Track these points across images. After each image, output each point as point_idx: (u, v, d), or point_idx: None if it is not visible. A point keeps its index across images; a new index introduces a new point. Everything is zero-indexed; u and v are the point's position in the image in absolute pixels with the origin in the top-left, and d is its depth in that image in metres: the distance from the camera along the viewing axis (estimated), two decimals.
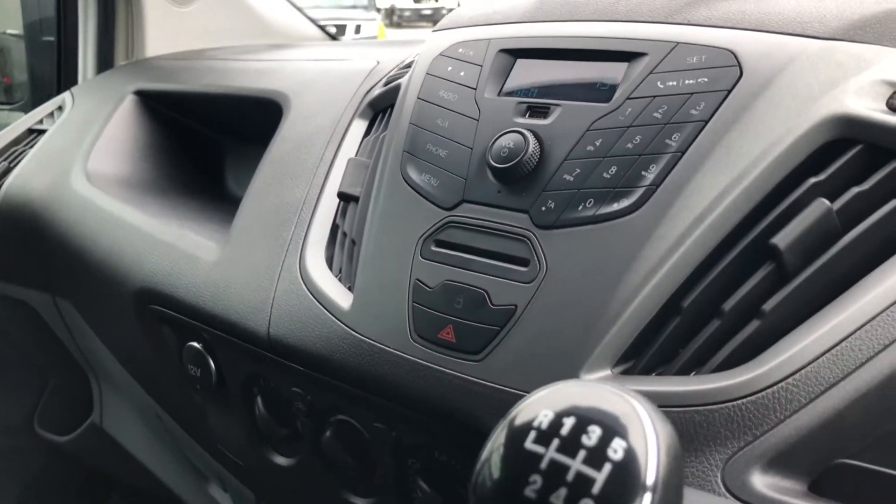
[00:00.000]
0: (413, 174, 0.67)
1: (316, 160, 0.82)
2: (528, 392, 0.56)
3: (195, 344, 0.86)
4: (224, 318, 0.78)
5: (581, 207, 0.58)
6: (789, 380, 0.49)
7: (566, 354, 0.56)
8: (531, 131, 0.61)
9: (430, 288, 0.63)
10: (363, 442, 0.72)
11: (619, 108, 0.59)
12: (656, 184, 0.56)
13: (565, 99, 0.62)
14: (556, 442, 0.30)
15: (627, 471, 0.28)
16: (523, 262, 0.59)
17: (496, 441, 0.33)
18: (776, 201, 0.54)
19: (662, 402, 0.52)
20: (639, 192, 0.56)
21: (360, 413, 0.71)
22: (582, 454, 0.29)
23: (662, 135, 0.57)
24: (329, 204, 0.78)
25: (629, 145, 0.58)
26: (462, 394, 0.59)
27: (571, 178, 0.59)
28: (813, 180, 0.54)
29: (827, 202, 0.53)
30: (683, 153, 0.56)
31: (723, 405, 0.50)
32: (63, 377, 1.52)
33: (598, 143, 0.59)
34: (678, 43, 0.60)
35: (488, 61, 0.68)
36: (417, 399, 0.62)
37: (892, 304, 0.49)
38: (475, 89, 0.67)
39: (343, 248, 0.74)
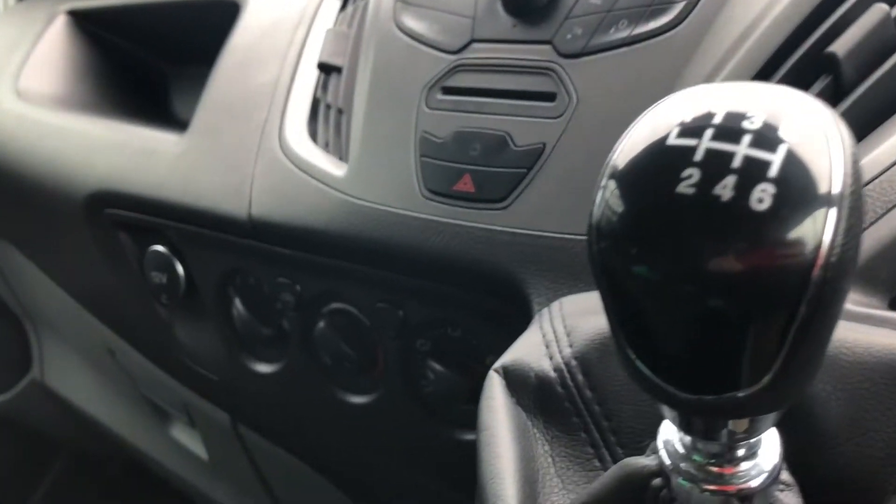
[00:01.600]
0: (410, 22, 0.60)
1: (286, 41, 0.74)
2: (562, 234, 0.51)
3: (159, 247, 0.77)
4: (194, 208, 0.70)
5: (612, 30, 0.51)
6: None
7: None
8: None
9: (439, 139, 0.56)
10: (362, 330, 0.65)
11: None
12: None
13: None
14: (709, 132, 0.23)
15: (811, 151, 0.22)
16: (549, 96, 0.53)
17: (621, 156, 0.27)
18: (831, 9, 0.49)
19: None
20: (679, 6, 0.50)
21: (359, 296, 0.64)
22: (747, 138, 0.23)
23: None
24: (306, 79, 0.70)
25: None
26: (486, 246, 0.53)
27: (598, 1, 0.53)
28: None
29: (885, 6, 0.48)
30: None
31: None
32: None
33: None
34: None
35: None
36: (433, 260, 0.56)
37: None
38: None
39: (328, 120, 0.66)
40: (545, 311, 0.45)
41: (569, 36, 0.53)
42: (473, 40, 0.57)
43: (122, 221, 0.79)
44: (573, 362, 0.41)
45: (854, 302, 0.44)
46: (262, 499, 1.00)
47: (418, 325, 0.61)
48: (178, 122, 1.04)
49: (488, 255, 0.53)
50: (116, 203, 0.78)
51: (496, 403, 0.41)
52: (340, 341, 0.66)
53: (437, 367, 0.61)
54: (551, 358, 0.41)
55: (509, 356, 0.42)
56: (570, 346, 0.41)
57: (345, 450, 0.75)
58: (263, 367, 0.75)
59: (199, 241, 0.72)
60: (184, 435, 1.09)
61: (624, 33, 0.51)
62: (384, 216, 0.57)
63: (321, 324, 0.67)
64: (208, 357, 0.80)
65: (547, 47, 0.53)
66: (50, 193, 0.86)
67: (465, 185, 0.54)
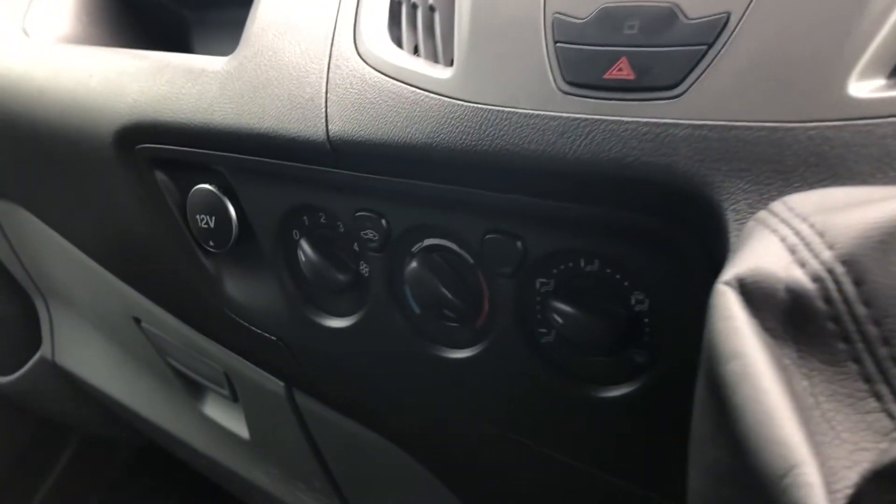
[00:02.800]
0: None
1: None
2: (765, 122, 0.40)
3: (206, 186, 0.66)
4: (253, 131, 0.58)
5: None
6: None
7: (821, 64, 0.38)
8: None
9: (580, 19, 0.45)
10: (465, 270, 0.54)
11: None
12: None
13: None
14: None
15: None
16: None
17: None
18: None
19: None
20: None
21: (463, 227, 0.53)
22: None
23: None
24: None
25: None
26: (655, 146, 0.42)
27: None
28: None
29: None
30: None
31: None
32: (1, 307, 1.28)
33: None
34: None
35: None
36: (578, 171, 0.44)
37: None
38: None
39: (415, 22, 0.55)
40: (773, 209, 0.34)
41: None
42: None
43: (159, 158, 0.68)
44: (839, 268, 0.30)
45: None
46: (314, 479, 0.89)
47: (541, 260, 0.50)
48: None
49: (659, 155, 0.42)
50: (153, 136, 0.66)
51: (740, 324, 0.30)
52: (437, 284, 0.55)
53: (567, 309, 0.50)
54: (804, 265, 0.31)
55: (744, 265, 0.32)
56: (831, 247, 0.31)
57: (433, 415, 0.64)
58: (336, 322, 0.64)
59: (259, 173, 0.61)
60: (219, 412, 0.98)
61: None
62: (510, 117, 0.46)
63: (413, 264, 0.56)
64: (266, 313, 0.69)
65: None
66: (70, 137, 0.74)
67: (622, 71, 0.43)
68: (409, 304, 0.58)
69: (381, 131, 0.52)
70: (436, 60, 0.52)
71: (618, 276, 0.49)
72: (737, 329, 0.30)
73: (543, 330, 0.53)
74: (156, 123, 0.65)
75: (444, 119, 0.49)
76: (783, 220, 0.33)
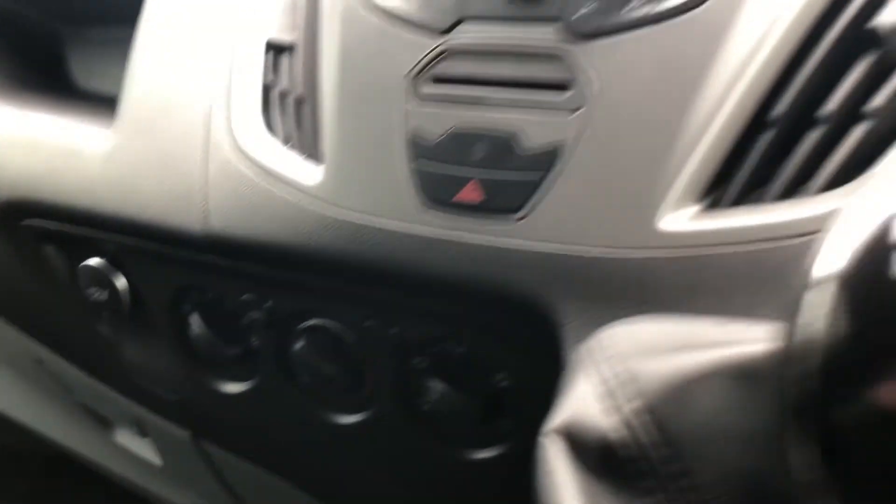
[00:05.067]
0: None
1: (218, 9, 0.63)
2: (590, 250, 0.45)
3: (95, 261, 0.67)
4: (136, 219, 0.60)
5: (631, 5, 0.45)
6: None
7: (637, 196, 0.44)
8: None
9: (434, 138, 0.49)
10: (347, 348, 0.59)
11: None
12: None
13: None
14: None
15: None
16: (561, 86, 0.46)
17: (823, 290, 0.21)
18: None
19: (766, 235, 0.42)
20: None
21: (343, 313, 0.57)
22: None
23: None
24: (252, 59, 0.61)
25: None
26: (499, 265, 0.47)
27: None
28: None
29: None
30: None
31: None
32: None
33: None
34: None
35: None
36: (436, 282, 0.49)
37: None
38: None
39: (287, 110, 0.58)
40: (593, 347, 0.40)
41: (580, 13, 0.46)
42: (463, 18, 0.49)
43: (46, 232, 0.69)
44: (646, 416, 0.36)
45: None
46: None
47: (415, 343, 0.55)
48: (79, 94, 0.92)
49: (504, 275, 0.47)
50: (37, 213, 0.67)
51: (560, 479, 0.36)
52: (322, 361, 0.59)
53: (438, 385, 0.55)
54: (617, 411, 0.36)
55: (565, 415, 0.37)
56: (640, 395, 0.36)
57: (331, 469, 0.69)
58: (230, 387, 0.67)
59: (144, 254, 0.63)
60: (130, 441, 1.01)
61: (644, 10, 0.45)
62: (374, 233, 0.50)
63: (298, 342, 0.60)
64: (162, 376, 0.72)
65: (554, 26, 0.46)
66: None
67: (471, 193, 0.47)
68: (298, 375, 0.62)
69: (257, 230, 0.55)
70: (307, 153, 0.55)
71: (483, 358, 0.54)
72: (556, 485, 0.35)
73: (422, 401, 0.58)
74: (38, 203, 0.66)
75: (315, 225, 0.52)
76: (602, 361, 0.39)
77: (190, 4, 0.66)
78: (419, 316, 0.54)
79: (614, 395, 0.37)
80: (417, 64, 0.49)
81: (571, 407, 0.38)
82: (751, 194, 0.44)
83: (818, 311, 0.22)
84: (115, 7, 0.70)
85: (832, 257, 0.25)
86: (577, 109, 0.45)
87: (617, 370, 0.38)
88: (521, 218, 0.46)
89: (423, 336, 0.54)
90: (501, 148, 0.47)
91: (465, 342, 0.54)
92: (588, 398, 0.37)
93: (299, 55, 0.57)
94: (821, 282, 0.22)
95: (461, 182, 0.47)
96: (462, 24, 0.49)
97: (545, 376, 0.50)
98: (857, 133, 0.43)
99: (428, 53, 0.49)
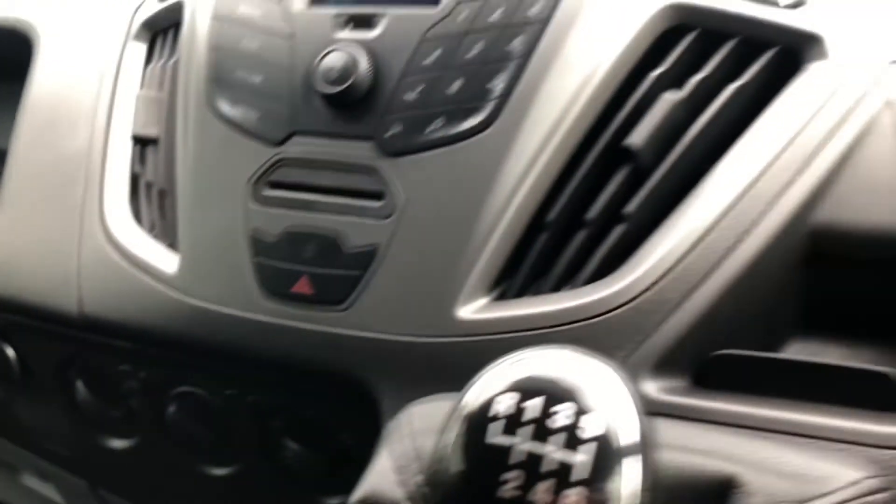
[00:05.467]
0: (225, 107, 0.59)
1: (93, 98, 0.70)
2: (402, 337, 0.53)
3: None
4: (18, 301, 0.66)
5: (430, 129, 0.53)
6: (662, 281, 0.49)
7: (438, 290, 0.52)
8: (360, 46, 0.55)
9: (272, 237, 0.56)
10: (214, 411, 0.66)
11: (451, 13, 0.54)
12: (505, 95, 0.52)
13: (390, 5, 0.56)
14: (523, 430, 0.26)
15: (608, 444, 0.26)
16: (377, 195, 0.54)
17: (450, 436, 0.29)
18: (624, 100, 0.53)
19: (542, 323, 0.51)
20: (488, 107, 0.52)
21: (207, 382, 0.64)
22: (556, 438, 0.26)
23: (503, 40, 0.53)
24: (122, 150, 0.67)
25: (469, 55, 0.53)
26: (328, 349, 0.55)
27: (415, 97, 0.54)
28: (656, 72, 0.53)
29: (672, 95, 0.52)
30: (528, 59, 0.52)
31: (603, 317, 0.50)
32: None
33: (436, 55, 0.54)
34: None
35: None
36: (275, 363, 0.57)
37: (746, 189, 0.50)
38: (281, 2, 0.59)
39: (151, 200, 0.64)
40: (397, 423, 0.48)
41: (389, 133, 0.54)
42: (294, 132, 0.56)
43: None
44: (425, 489, 0.44)
45: (664, 390, 0.49)
46: None
47: (270, 408, 0.63)
48: None
49: (330, 358, 0.55)
50: None
51: None
52: (192, 422, 0.66)
53: (292, 444, 0.63)
54: (404, 485, 0.44)
55: (364, 489, 0.45)
56: (421, 471, 0.44)
57: None
58: (117, 443, 0.74)
59: (29, 329, 0.69)
60: (37, 484, 1.05)
61: (441, 133, 0.53)
62: (223, 319, 0.57)
63: (171, 406, 0.67)
64: (55, 434, 0.78)
65: (369, 144, 0.54)
66: None
67: (303, 287, 0.55)
68: (173, 433, 0.69)
69: (126, 313, 0.62)
70: (169, 242, 0.62)
71: (328, 420, 0.62)
72: None
73: (284, 455, 0.65)
74: None
75: (172, 311, 0.59)
76: (400, 437, 0.47)
77: (69, 90, 0.71)
78: (271, 386, 0.61)
79: (405, 469, 0.45)
80: (257, 171, 0.57)
81: (373, 479, 0.46)
82: (532, 286, 0.53)
83: (447, 446, 0.29)
84: (14, 65, 0.75)
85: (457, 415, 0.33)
86: (389, 216, 0.53)
87: (408, 447, 0.46)
88: (345, 309, 0.54)
89: (276, 402, 0.62)
90: (328, 248, 0.54)
91: (311, 407, 0.61)
92: (387, 471, 0.45)
93: (161, 149, 0.64)
94: (451, 425, 0.30)
95: (295, 276, 0.55)
96: (294, 136, 0.56)
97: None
98: (615, 233, 0.52)
99: (265, 162, 0.57)
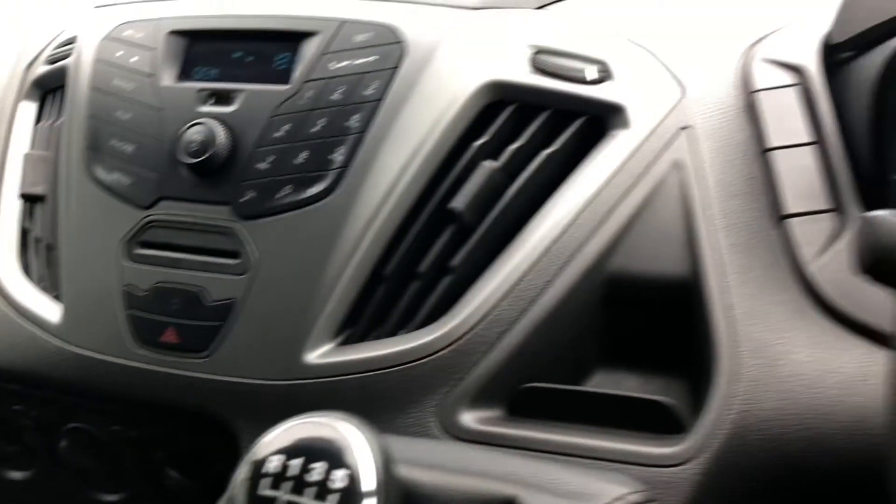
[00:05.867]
0: (101, 173, 0.65)
1: None
2: (257, 380, 0.60)
3: None
4: None
5: (280, 195, 0.60)
6: (480, 325, 0.58)
7: (289, 337, 0.60)
8: (218, 120, 0.62)
9: (143, 292, 0.63)
10: (102, 444, 0.72)
11: (298, 91, 0.62)
12: (345, 166, 0.60)
13: (247, 82, 0.63)
14: (285, 485, 0.34)
15: (351, 492, 0.33)
16: (233, 254, 0.61)
17: (236, 484, 0.37)
18: (450, 167, 0.61)
19: (378, 365, 0.58)
20: (330, 176, 0.60)
21: (94, 419, 0.70)
22: (310, 491, 0.33)
23: (343, 117, 0.60)
24: (11, 205, 0.73)
25: (314, 129, 0.61)
26: (193, 392, 0.62)
27: (267, 166, 0.61)
28: (477, 143, 0.61)
29: (491, 163, 0.60)
30: (365, 134, 0.60)
31: (429, 358, 0.58)
32: None
33: (286, 129, 0.61)
34: (344, 21, 0.63)
35: (161, 45, 0.66)
36: (148, 404, 0.63)
37: (552, 243, 0.59)
38: (152, 76, 0.65)
39: (38, 253, 0.70)
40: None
41: (244, 199, 0.61)
42: (162, 197, 0.63)
43: None
44: None
45: (480, 420, 0.57)
46: None
47: (152, 441, 0.69)
48: None
49: (196, 400, 0.62)
50: None
51: None
52: (83, 454, 0.72)
53: (173, 473, 0.70)
54: None
55: None
56: None
57: None
58: (15, 474, 0.79)
59: None
60: None
61: (290, 199, 0.60)
62: (101, 365, 0.64)
63: (63, 441, 0.72)
64: None
65: (227, 208, 0.61)
66: None
67: (171, 336, 0.62)
68: (66, 464, 0.75)
69: (13, 360, 0.68)
70: (54, 294, 0.68)
71: (205, 451, 0.69)
72: None
73: (168, 482, 0.72)
74: None
75: (56, 357, 0.66)
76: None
77: None
78: (151, 422, 0.68)
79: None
80: (129, 232, 0.63)
81: None
82: (372, 332, 0.61)
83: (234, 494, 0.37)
84: None
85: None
86: (244, 273, 0.60)
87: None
88: (207, 356, 0.61)
89: (157, 437, 0.69)
90: (191, 301, 0.61)
91: (188, 441, 0.68)
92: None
93: (48, 207, 0.70)
94: (239, 475, 0.38)
95: (163, 327, 0.62)
96: (162, 201, 0.63)
97: None
98: (443, 284, 0.60)
99: (136, 224, 0.63)
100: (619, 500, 0.50)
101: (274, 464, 0.36)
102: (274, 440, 0.38)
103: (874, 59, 0.60)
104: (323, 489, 0.33)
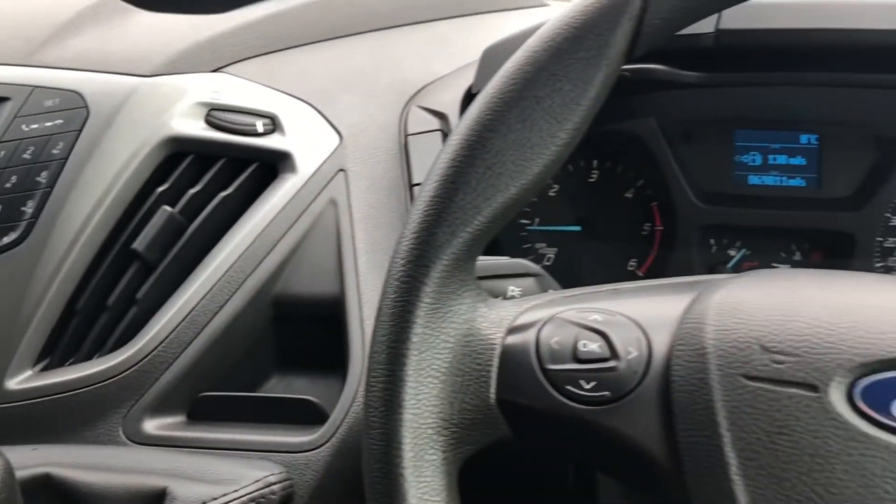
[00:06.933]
0: None
1: None
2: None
3: None
4: None
5: None
6: (160, 347, 0.68)
7: None
8: None
9: None
10: None
11: None
12: (35, 217, 0.69)
13: None
14: None
15: None
16: None
17: None
18: (134, 213, 0.71)
19: (74, 387, 0.68)
20: (22, 226, 0.69)
21: None
22: None
23: (33, 174, 0.70)
24: None
25: (7, 185, 0.69)
26: None
27: None
28: (159, 189, 0.71)
29: (169, 208, 0.71)
30: (52, 188, 0.69)
31: (116, 378, 0.68)
32: None
33: None
34: (35, 87, 0.72)
35: None
36: None
37: (226, 272, 0.70)
38: None
39: None
40: None
41: None
42: None
43: None
44: None
45: (161, 426, 0.68)
46: None
47: None
48: None
49: None
50: None
51: None
52: None
53: None
54: None
55: None
56: None
57: None
58: None
59: None
60: None
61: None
62: None
63: None
64: None
65: None
66: None
67: None
68: None
69: None
70: None
71: None
72: None
73: None
74: None
75: None
76: None
77: None
78: None
79: None
80: None
81: None
82: (70, 358, 0.70)
83: None
84: None
85: None
86: None
87: None
88: None
89: None
90: None
91: None
92: None
93: None
94: None
95: None
96: None
97: None
98: (130, 314, 0.70)
99: None
100: (257, 482, 0.62)
101: None
102: None
103: None
104: None
